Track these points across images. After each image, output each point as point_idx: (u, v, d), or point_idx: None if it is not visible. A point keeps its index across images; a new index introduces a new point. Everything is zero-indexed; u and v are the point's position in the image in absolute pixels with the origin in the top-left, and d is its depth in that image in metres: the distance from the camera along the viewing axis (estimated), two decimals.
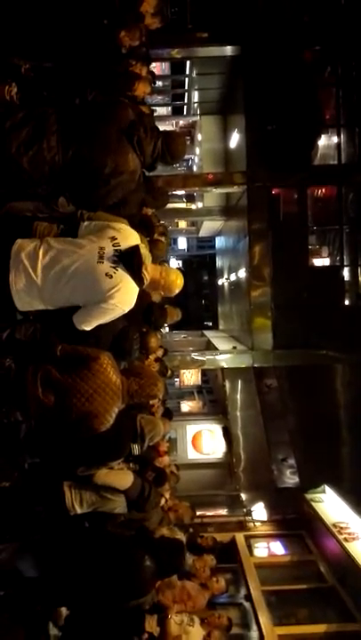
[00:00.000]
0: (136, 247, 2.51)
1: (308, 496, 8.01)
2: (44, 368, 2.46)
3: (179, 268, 16.83)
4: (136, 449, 3.90)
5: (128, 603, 3.43)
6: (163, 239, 5.17)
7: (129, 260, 2.48)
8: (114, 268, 2.46)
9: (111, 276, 2.46)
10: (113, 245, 2.48)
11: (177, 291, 2.96)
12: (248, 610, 6.18)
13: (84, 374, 2.46)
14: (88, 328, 2.60)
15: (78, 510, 3.34)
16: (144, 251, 2.54)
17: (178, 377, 16.33)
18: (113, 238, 2.49)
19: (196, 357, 11.92)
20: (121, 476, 3.50)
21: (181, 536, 3.67)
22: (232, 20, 10.01)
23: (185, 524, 5.55)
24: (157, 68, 13.70)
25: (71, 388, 2.44)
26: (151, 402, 4.74)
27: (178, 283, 2.95)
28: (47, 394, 2.42)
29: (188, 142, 15.57)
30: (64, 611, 3.66)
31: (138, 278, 2.54)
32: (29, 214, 2.88)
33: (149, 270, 2.58)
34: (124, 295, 2.53)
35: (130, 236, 2.56)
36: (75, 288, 2.46)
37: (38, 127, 2.40)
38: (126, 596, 3.34)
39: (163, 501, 5.11)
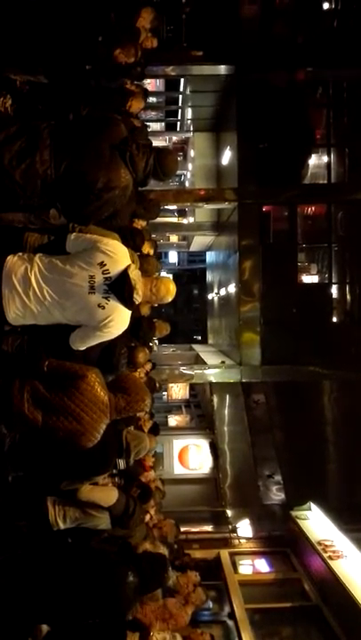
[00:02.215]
0: (125, 274, 2.54)
1: (294, 513, 7.99)
2: (32, 384, 2.45)
3: None
4: (121, 464, 3.88)
5: (111, 618, 3.39)
6: (152, 252, 5.19)
7: (120, 290, 2.52)
8: (105, 298, 2.52)
9: (103, 307, 2.53)
10: (103, 273, 2.51)
11: (170, 299, 2.99)
12: (231, 628, 6.12)
13: (72, 393, 2.47)
14: (82, 348, 2.69)
15: (62, 526, 3.31)
16: (134, 273, 2.56)
17: (166, 391, 16.29)
18: (102, 264, 2.52)
19: (184, 371, 11.90)
20: (105, 493, 3.47)
21: (164, 550, 3.64)
22: (226, 39, 10.17)
23: (169, 542, 5.50)
24: (152, 84, 13.88)
25: (59, 408, 2.44)
26: (138, 415, 4.72)
27: (170, 291, 2.98)
28: (34, 411, 2.41)
29: (181, 158, 15.71)
30: (45, 627, 3.60)
31: (129, 305, 2.59)
32: (20, 225, 2.89)
33: (140, 292, 2.62)
34: (118, 324, 2.61)
35: (119, 260, 2.58)
36: (70, 317, 2.55)
37: (31, 140, 2.41)
38: (109, 611, 3.30)
39: (147, 517, 5.07)
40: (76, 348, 2.66)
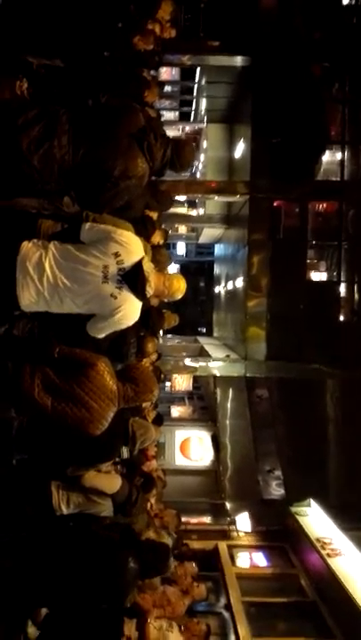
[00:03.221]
0: (139, 265, 2.55)
1: (294, 509, 8.00)
2: (43, 369, 2.47)
3: None
4: (125, 452, 3.90)
5: (108, 603, 3.42)
6: (162, 242, 5.19)
7: (133, 281, 2.53)
8: (118, 288, 2.52)
9: (116, 297, 2.53)
10: (117, 263, 2.52)
11: (180, 296, 3.00)
12: (227, 620, 6.15)
13: (81, 381, 2.49)
14: (100, 336, 2.71)
15: (65, 511, 3.33)
16: (147, 265, 2.57)
17: (169, 381, 16.33)
18: (117, 254, 2.53)
19: (188, 363, 11.91)
20: (109, 480, 3.49)
21: (167, 540, 3.67)
22: (244, 30, 10.07)
23: (169, 532, 5.53)
24: (167, 72, 13.80)
25: (68, 395, 2.46)
26: (143, 405, 4.74)
27: (181, 289, 2.99)
28: (44, 397, 2.43)
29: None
30: (43, 610, 3.64)
31: (141, 297, 2.60)
32: (33, 211, 2.89)
33: (153, 285, 2.63)
34: (129, 314, 2.62)
35: (134, 251, 2.58)
36: (81, 305, 2.55)
37: (50, 126, 2.41)
38: (108, 595, 3.33)
39: (148, 506, 5.10)
40: (93, 335, 2.68)
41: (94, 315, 2.63)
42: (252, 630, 5.86)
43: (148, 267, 2.58)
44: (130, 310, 2.61)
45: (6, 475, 3.19)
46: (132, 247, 2.58)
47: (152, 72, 5.09)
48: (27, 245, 2.50)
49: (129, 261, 2.53)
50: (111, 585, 3.23)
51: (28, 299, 2.47)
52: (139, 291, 2.54)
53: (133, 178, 2.52)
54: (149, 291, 2.58)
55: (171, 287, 2.89)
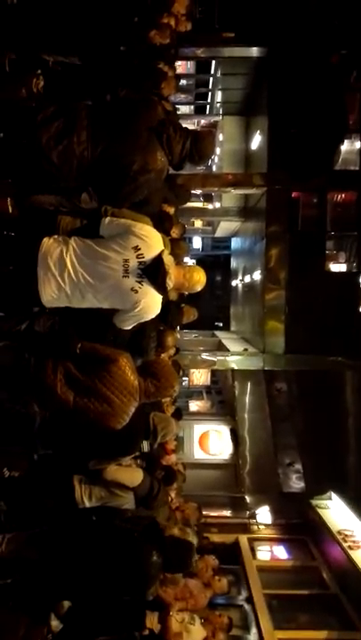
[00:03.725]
0: (159, 259, 2.55)
1: (314, 502, 7.98)
2: (65, 365, 2.49)
3: None
4: (145, 446, 3.91)
5: (130, 595, 3.45)
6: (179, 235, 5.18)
7: (153, 274, 2.54)
8: (139, 282, 2.54)
9: (137, 291, 2.55)
10: (137, 257, 2.53)
11: (200, 288, 3.00)
12: (248, 612, 6.17)
13: (103, 376, 2.51)
14: (127, 327, 2.74)
15: (87, 504, 3.36)
16: (167, 259, 2.57)
17: (187, 376, 16.33)
18: (137, 248, 2.53)
19: (206, 357, 11.90)
20: (131, 473, 3.52)
21: (193, 538, 3.67)
22: (259, 21, 9.96)
23: (190, 524, 5.55)
24: (182, 66, 13.70)
25: (90, 390, 2.48)
26: (163, 400, 4.75)
27: (201, 281, 2.99)
28: (66, 392, 2.46)
29: None
30: (66, 603, 3.68)
31: (162, 290, 2.61)
32: (52, 208, 2.90)
33: (173, 278, 2.63)
34: (150, 307, 2.64)
35: (153, 245, 2.59)
36: (102, 300, 2.57)
37: (69, 122, 2.42)
38: (129, 588, 3.36)
39: (169, 500, 5.12)
40: (119, 326, 2.71)
41: (115, 309, 2.64)
42: (274, 623, 5.87)
43: (167, 260, 2.58)
44: (151, 304, 2.62)
45: (29, 469, 3.23)
46: (151, 241, 2.58)
47: (169, 66, 5.05)
48: (47, 242, 2.51)
49: (149, 255, 2.53)
50: (134, 578, 3.25)
51: (50, 294, 2.48)
52: (160, 284, 2.54)
53: (153, 172, 2.52)
54: (170, 284, 2.58)
55: (191, 279, 2.89)
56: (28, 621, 3.51)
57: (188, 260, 23.98)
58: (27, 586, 3.38)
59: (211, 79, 14.78)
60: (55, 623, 3.75)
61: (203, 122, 15.67)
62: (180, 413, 6.45)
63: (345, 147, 10.76)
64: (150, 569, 3.23)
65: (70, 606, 3.66)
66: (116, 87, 3.36)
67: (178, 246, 3.91)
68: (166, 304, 4.16)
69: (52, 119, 2.40)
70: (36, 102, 2.59)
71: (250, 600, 6.28)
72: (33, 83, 3.31)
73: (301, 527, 8.06)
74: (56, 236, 2.55)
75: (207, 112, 15.92)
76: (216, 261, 25.02)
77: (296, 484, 9.25)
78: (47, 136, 2.37)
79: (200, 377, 16.60)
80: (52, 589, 3.44)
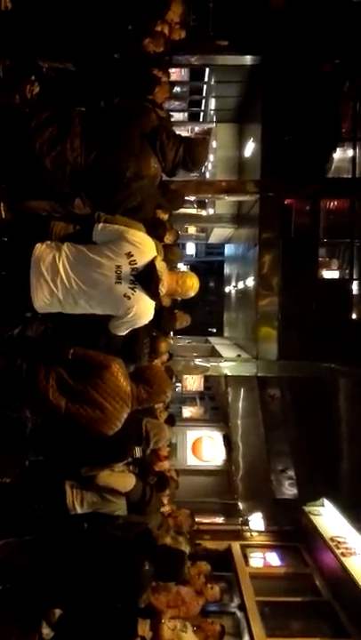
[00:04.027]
0: (152, 266, 2.55)
1: (307, 509, 7.97)
2: (57, 370, 2.48)
3: None
4: (138, 452, 3.90)
5: (122, 604, 3.42)
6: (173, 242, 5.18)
7: (146, 281, 2.54)
8: (132, 289, 2.54)
9: (129, 297, 2.55)
10: (130, 263, 2.53)
11: (193, 294, 3.01)
12: (241, 619, 6.14)
13: (96, 382, 2.50)
14: (121, 334, 2.75)
15: (79, 510, 3.34)
16: (160, 265, 2.57)
17: (180, 382, 16.31)
18: (129, 255, 2.53)
19: (199, 363, 11.90)
20: (123, 479, 3.50)
21: (185, 546, 3.65)
22: (253, 29, 10.03)
23: (182, 532, 5.53)
24: (176, 73, 13.77)
25: (82, 396, 2.47)
26: (155, 406, 4.74)
27: (194, 287, 3.00)
28: (58, 397, 2.45)
29: None
30: (57, 611, 3.65)
31: (155, 296, 2.61)
32: (45, 214, 2.90)
33: (166, 284, 2.64)
34: (142, 313, 2.64)
35: (146, 251, 2.59)
36: (95, 306, 2.57)
37: (62, 128, 2.42)
38: (121, 596, 3.34)
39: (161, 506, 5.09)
40: (113, 332, 2.71)
41: (108, 315, 2.64)
42: (267, 630, 5.84)
43: (160, 266, 2.59)
44: (143, 310, 2.62)
45: (20, 475, 3.21)
46: (144, 247, 2.58)
47: (163, 72, 5.07)
48: (40, 247, 2.51)
49: (142, 261, 2.54)
50: (126, 587, 3.24)
51: (42, 300, 2.48)
52: (152, 290, 2.55)
53: (146, 178, 2.53)
54: (162, 290, 2.59)
55: (184, 285, 2.90)
56: (19, 629, 3.48)
57: (182, 267, 24.02)
58: (18, 593, 3.36)
59: (205, 87, 14.88)
60: (46, 631, 3.72)
61: (196, 129, 15.76)
62: (173, 420, 6.43)
63: (338, 154, 10.85)
64: (142, 578, 3.22)
65: (62, 614, 3.64)
66: (109, 94, 3.37)
67: (171, 252, 3.92)
68: (159, 310, 4.17)
69: (46, 125, 2.41)
70: (30, 108, 2.59)
71: (242, 607, 6.25)
72: (27, 89, 3.32)
73: (294, 534, 8.05)
74: (49, 242, 2.56)
75: (201, 119, 16.02)
76: (210, 268, 25.08)
77: (289, 490, 9.25)
78: (40, 142, 2.38)
79: (193, 383, 16.64)
80: (43, 597, 3.42)
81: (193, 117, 16.41)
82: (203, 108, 15.77)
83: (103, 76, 3.67)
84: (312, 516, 7.74)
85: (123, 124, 2.54)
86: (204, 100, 15.51)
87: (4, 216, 2.86)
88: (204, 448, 12.64)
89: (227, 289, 18.10)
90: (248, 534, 8.21)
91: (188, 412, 15.38)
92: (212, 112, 14.67)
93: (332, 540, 6.92)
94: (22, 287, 2.42)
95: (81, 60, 3.61)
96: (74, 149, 2.41)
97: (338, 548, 6.66)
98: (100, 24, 3.64)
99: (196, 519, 6.64)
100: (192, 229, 18.55)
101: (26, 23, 3.38)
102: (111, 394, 2.53)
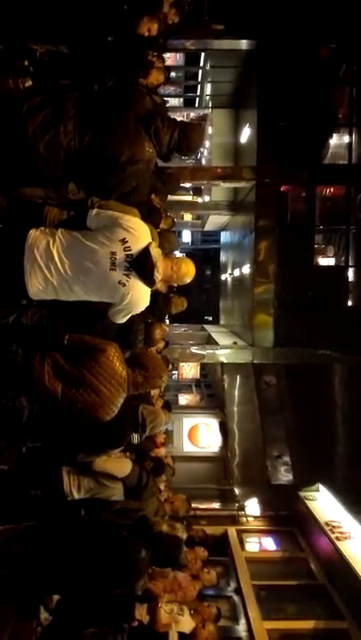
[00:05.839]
0: (147, 252, 2.53)
1: (302, 494, 8.02)
2: (52, 356, 2.48)
3: None
4: (135, 438, 3.92)
5: (119, 589, 3.46)
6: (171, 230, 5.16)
7: (141, 267, 2.52)
8: (126, 275, 2.51)
9: (124, 284, 2.53)
10: (124, 250, 2.50)
11: (189, 280, 2.99)
12: (237, 603, 6.20)
13: (91, 366, 2.49)
14: (120, 320, 2.75)
15: (76, 496, 3.36)
16: (155, 251, 2.55)
17: (176, 370, 16.36)
18: (124, 241, 2.51)
19: (195, 351, 11.91)
20: (120, 464, 3.52)
21: (182, 533, 3.67)
22: (249, 13, 9.92)
23: (179, 516, 5.57)
24: (172, 58, 13.63)
25: (78, 380, 2.47)
26: (151, 393, 4.76)
27: (190, 273, 2.98)
28: (54, 383, 2.44)
29: None
30: (55, 597, 3.69)
31: (150, 282, 2.58)
32: (39, 200, 2.88)
33: (161, 270, 2.62)
34: (138, 300, 2.63)
35: (141, 237, 2.57)
36: (90, 293, 2.55)
37: (55, 112, 2.39)
38: (117, 582, 3.37)
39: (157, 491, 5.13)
40: (112, 320, 2.71)
41: (103, 302, 2.63)
42: (263, 613, 5.90)
43: (155, 252, 2.57)
44: (139, 296, 2.61)
45: (17, 462, 3.22)
46: (139, 233, 2.56)
47: (158, 57, 5.00)
48: (34, 233, 2.49)
49: (136, 247, 2.52)
50: (123, 573, 3.26)
51: (37, 287, 2.46)
52: (147, 277, 2.53)
53: (141, 162, 2.50)
54: (158, 276, 2.57)
55: (179, 271, 2.88)
56: (17, 614, 3.51)
57: (178, 254, 23.94)
58: (16, 579, 3.38)
59: (200, 71, 14.72)
60: (45, 616, 3.76)
61: (192, 114, 15.62)
62: (169, 406, 6.45)
63: (334, 140, 10.79)
64: (139, 565, 3.25)
65: (60, 599, 3.67)
66: (103, 77, 3.33)
67: (167, 239, 3.90)
68: (154, 294, 4.17)
69: (39, 109, 2.38)
70: (23, 92, 2.56)
71: (238, 591, 6.32)
72: (19, 81, 3.27)
73: (290, 519, 8.10)
74: (43, 228, 2.53)
75: (196, 105, 15.88)
76: (205, 255, 25.09)
77: (284, 476, 9.32)
78: (33, 126, 2.34)
79: (189, 370, 16.70)
80: (41, 583, 3.44)
81: (189, 103, 16.27)
82: (198, 93, 15.63)
83: (97, 59, 3.62)
84: (307, 501, 7.80)
85: (117, 108, 2.51)
86: (199, 86, 15.36)
87: None
88: (200, 435, 12.70)
89: (223, 276, 18.08)
90: (244, 519, 8.27)
91: (184, 399, 15.45)
92: (207, 97, 14.55)
93: (326, 524, 6.97)
94: (16, 274, 2.40)
95: (75, 42, 3.56)
96: (67, 133, 2.38)
97: (333, 533, 6.72)
98: (94, 5, 3.58)
99: (193, 505, 6.69)
100: (188, 217, 18.50)
101: (18, 5, 3.33)
102: (107, 377, 2.53)
